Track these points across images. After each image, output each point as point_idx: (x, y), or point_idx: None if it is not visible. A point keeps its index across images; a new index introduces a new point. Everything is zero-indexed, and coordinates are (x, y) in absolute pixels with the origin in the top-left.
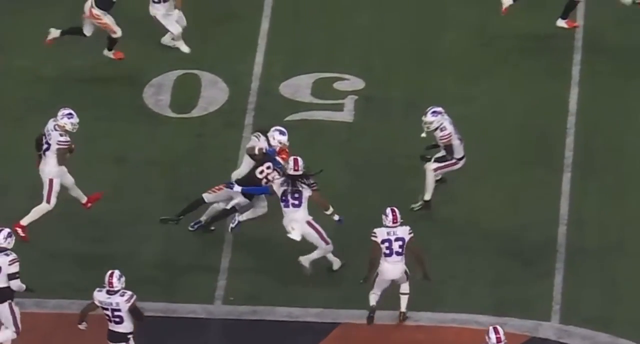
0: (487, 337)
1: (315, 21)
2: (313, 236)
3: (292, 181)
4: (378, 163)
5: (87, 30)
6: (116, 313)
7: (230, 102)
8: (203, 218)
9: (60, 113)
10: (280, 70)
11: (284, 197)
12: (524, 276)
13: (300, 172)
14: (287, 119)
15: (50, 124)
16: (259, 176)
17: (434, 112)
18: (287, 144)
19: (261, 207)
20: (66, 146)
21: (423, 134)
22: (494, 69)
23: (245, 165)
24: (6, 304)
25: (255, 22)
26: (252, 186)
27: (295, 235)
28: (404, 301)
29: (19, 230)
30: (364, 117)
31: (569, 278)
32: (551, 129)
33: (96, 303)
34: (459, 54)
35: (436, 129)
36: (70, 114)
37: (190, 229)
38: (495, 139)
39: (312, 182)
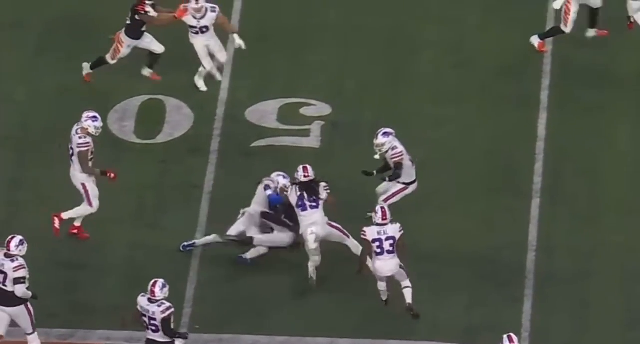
0: None
1: (281, 46)
2: (336, 235)
3: (305, 186)
4: (344, 188)
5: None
6: (152, 322)
7: (196, 128)
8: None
9: (84, 116)
10: (246, 96)
11: (300, 203)
12: (494, 303)
13: (311, 178)
14: (253, 145)
15: (74, 128)
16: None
17: (384, 133)
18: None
19: (264, 248)
20: (86, 148)
21: (376, 156)
22: (464, 93)
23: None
24: (22, 307)
25: None
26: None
27: (312, 240)
28: (407, 294)
29: (56, 220)
30: (330, 143)
31: (538, 304)
32: (520, 155)
33: (138, 308)
34: (428, 77)
35: (387, 150)
36: (94, 117)
37: (181, 250)
38: (464, 164)
39: (325, 185)
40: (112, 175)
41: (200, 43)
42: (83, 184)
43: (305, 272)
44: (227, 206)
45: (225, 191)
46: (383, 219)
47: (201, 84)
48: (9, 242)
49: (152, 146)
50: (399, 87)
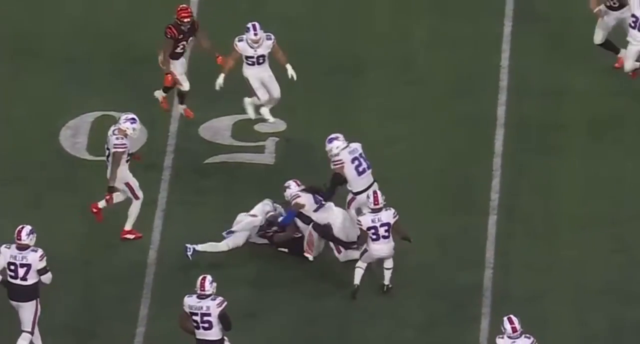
0: (502, 328)
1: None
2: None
3: (309, 190)
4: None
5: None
6: (205, 318)
7: (149, 144)
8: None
9: (123, 117)
10: (200, 112)
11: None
12: (451, 322)
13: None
14: (207, 161)
15: (111, 129)
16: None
17: (329, 139)
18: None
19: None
20: (122, 150)
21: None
22: (419, 109)
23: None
24: (33, 302)
25: None
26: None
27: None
28: (387, 274)
29: (128, 236)
30: (284, 159)
31: (496, 322)
32: (477, 171)
33: (186, 309)
34: (380, 94)
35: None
36: (133, 119)
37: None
38: (419, 182)
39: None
40: (138, 157)
41: (254, 74)
42: (127, 183)
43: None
44: (180, 222)
45: (179, 208)
46: (375, 203)
47: (268, 116)
48: (19, 232)
49: (106, 162)
50: (351, 105)
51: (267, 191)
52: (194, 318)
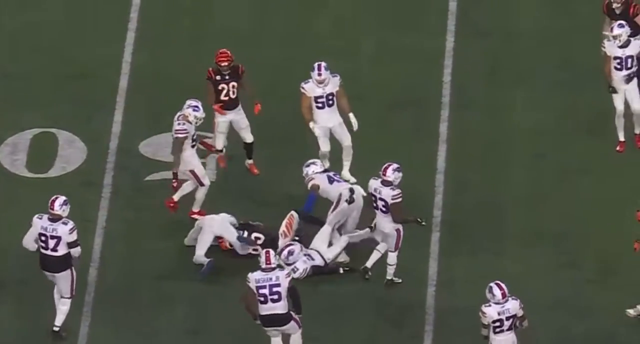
0: (490, 295)
1: (175, 78)
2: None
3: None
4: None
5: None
6: (275, 289)
7: (89, 162)
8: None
9: (187, 103)
10: (140, 129)
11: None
12: (393, 340)
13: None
14: (147, 178)
15: (176, 115)
16: None
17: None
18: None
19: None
20: (183, 135)
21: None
22: (362, 124)
23: None
24: (68, 271)
25: (113, 79)
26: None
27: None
28: (390, 270)
29: (195, 215)
30: (225, 176)
31: (439, 340)
32: (419, 188)
33: (252, 284)
34: None
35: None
36: (196, 106)
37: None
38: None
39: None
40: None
41: (323, 121)
42: (192, 171)
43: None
44: (120, 240)
45: (119, 225)
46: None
47: (346, 173)
48: (53, 202)
49: (45, 179)
50: (294, 120)
51: (208, 209)
52: (262, 291)
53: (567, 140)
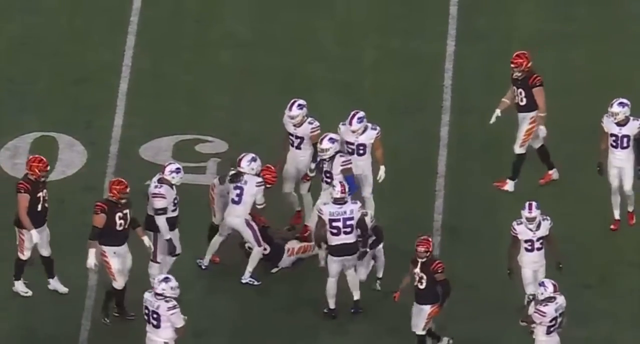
0: (542, 289)
1: (175, 82)
2: None
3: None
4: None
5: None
6: (348, 223)
7: (89, 166)
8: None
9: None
10: (140, 133)
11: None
12: (394, 343)
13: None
14: (148, 182)
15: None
16: None
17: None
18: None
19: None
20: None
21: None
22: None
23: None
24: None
25: (113, 83)
26: None
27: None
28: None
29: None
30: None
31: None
32: (420, 192)
33: (325, 217)
34: (328, 113)
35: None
36: (300, 104)
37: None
38: (363, 201)
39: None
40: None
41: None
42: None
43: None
44: None
45: None
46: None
47: None
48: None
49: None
50: None
51: (207, 213)
52: (335, 224)
53: (566, 144)
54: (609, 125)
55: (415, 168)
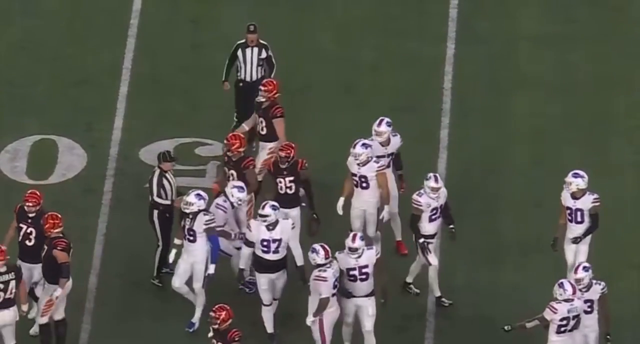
0: (561, 290)
1: (175, 85)
2: None
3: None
4: None
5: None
6: (364, 270)
7: (89, 169)
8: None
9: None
10: (140, 135)
11: None
12: None
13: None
14: (147, 185)
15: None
16: None
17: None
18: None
19: None
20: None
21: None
22: (363, 131)
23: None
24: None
25: (113, 86)
26: None
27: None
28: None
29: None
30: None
31: None
32: None
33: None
34: (323, 117)
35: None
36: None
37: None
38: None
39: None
40: None
41: (356, 200)
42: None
43: None
44: (121, 247)
45: (120, 232)
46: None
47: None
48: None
49: (45, 186)
50: (293, 128)
51: None
52: (352, 273)
53: (566, 146)
54: (565, 197)
55: (414, 171)
